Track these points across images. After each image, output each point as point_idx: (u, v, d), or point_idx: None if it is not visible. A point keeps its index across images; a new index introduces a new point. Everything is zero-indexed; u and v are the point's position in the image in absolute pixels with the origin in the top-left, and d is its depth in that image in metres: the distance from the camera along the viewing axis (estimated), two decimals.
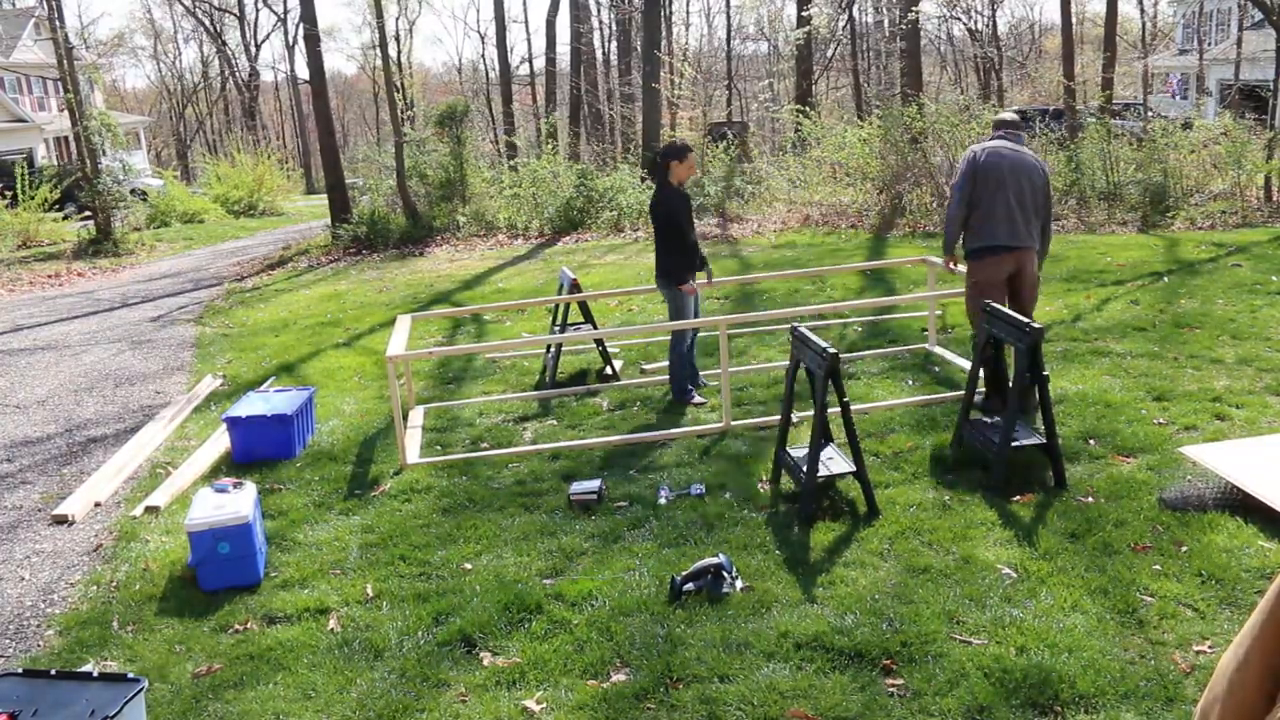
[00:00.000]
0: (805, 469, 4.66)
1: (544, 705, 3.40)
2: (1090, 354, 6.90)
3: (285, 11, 42.72)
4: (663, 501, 4.99)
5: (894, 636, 3.62)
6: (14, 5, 38.41)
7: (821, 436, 4.69)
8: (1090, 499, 4.64)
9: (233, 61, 50.00)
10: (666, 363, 7.48)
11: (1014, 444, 4.82)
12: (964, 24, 37.98)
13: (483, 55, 71.15)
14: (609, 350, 7.51)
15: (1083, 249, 11.05)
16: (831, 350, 4.57)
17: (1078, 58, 21.13)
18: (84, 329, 11.10)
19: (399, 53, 36.16)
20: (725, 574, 4.04)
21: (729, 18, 34.13)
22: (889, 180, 14.70)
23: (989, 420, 5.22)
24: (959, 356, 7.03)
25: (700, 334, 8.21)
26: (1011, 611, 3.73)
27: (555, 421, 6.46)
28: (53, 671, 3.24)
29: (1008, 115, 6.17)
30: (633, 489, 5.19)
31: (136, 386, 8.34)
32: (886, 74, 34.82)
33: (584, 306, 7.62)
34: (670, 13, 31.87)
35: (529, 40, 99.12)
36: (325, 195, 18.97)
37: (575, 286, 7.41)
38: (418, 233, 16.16)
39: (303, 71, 30.03)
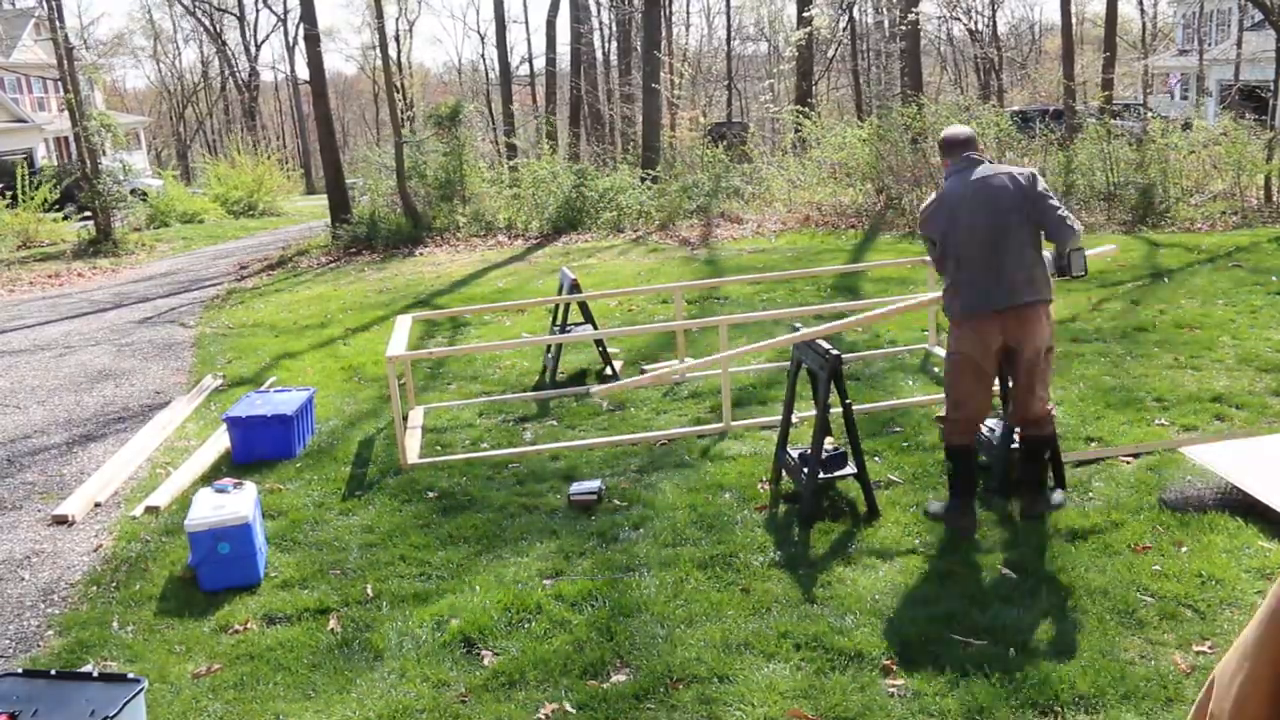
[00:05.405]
0: (806, 470, 4.66)
1: (544, 705, 3.40)
2: (1090, 354, 6.90)
3: (285, 12, 42.78)
4: None
5: (894, 636, 3.62)
6: (14, 5, 38.42)
7: (822, 437, 4.69)
8: (1090, 499, 4.64)
9: (233, 62, 50.04)
10: (668, 363, 7.47)
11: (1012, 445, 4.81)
12: (964, 24, 38.00)
13: (483, 55, 71.29)
14: (609, 350, 7.51)
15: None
16: (834, 352, 4.58)
17: (1078, 58, 21.13)
18: (83, 329, 11.09)
19: (399, 53, 36.19)
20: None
21: (729, 18, 34.18)
22: (888, 181, 14.71)
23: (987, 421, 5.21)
24: None
25: (696, 332, 8.20)
26: (1011, 611, 3.73)
27: (555, 421, 6.46)
28: (53, 671, 3.25)
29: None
30: (633, 489, 5.19)
31: (136, 386, 8.34)
32: (886, 74, 34.82)
33: (584, 306, 7.62)
34: (670, 13, 31.91)
35: (529, 40, 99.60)
36: (325, 195, 18.96)
37: (575, 286, 7.41)
38: (417, 233, 16.15)
39: (303, 72, 30.06)
